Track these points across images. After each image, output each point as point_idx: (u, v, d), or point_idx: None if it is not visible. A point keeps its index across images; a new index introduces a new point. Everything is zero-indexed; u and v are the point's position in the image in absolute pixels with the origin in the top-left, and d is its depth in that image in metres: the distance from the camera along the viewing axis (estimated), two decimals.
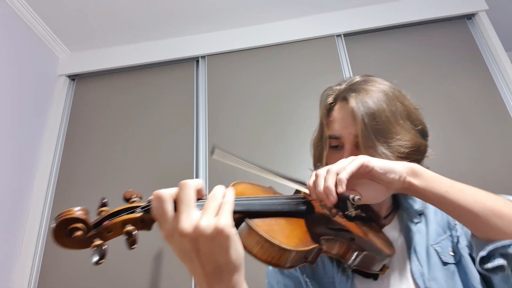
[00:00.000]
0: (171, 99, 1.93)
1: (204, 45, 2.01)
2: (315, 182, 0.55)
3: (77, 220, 0.40)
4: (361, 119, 0.63)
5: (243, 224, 0.49)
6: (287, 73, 1.88)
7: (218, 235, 0.41)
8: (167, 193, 0.45)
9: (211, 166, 1.71)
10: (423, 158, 0.69)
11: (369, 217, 0.67)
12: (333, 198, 0.52)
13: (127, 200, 0.47)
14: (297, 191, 0.64)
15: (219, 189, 0.48)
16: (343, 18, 1.96)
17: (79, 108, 1.99)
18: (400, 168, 0.54)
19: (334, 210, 0.63)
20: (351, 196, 0.52)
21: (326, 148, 0.71)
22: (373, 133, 0.62)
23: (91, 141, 1.88)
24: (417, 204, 0.71)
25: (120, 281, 1.51)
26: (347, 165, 0.54)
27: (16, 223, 1.64)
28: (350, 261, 0.57)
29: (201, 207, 0.45)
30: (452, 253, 0.63)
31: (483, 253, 0.52)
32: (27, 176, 1.74)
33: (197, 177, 1.71)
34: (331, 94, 0.74)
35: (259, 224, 0.48)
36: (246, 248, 0.48)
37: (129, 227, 0.42)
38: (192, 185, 0.46)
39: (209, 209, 0.44)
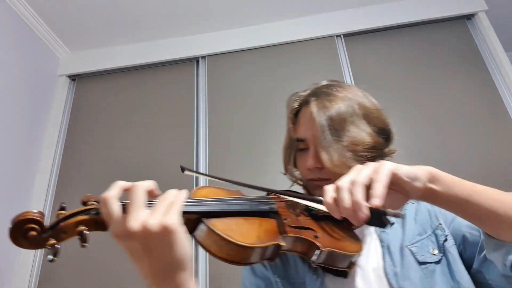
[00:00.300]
0: (171, 99, 1.93)
1: (204, 45, 2.01)
2: (337, 198, 0.47)
3: (32, 221, 0.43)
4: (318, 121, 0.66)
5: (201, 225, 0.52)
6: (287, 73, 1.88)
7: (165, 233, 0.44)
8: (112, 195, 0.48)
9: (211, 166, 1.71)
10: (382, 156, 0.71)
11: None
12: (365, 214, 0.44)
13: (84, 203, 0.50)
14: (268, 193, 0.64)
15: (171, 191, 0.51)
16: (343, 18, 1.96)
17: (79, 108, 1.99)
18: (422, 174, 0.49)
19: (298, 210, 0.64)
20: (389, 211, 0.45)
21: (294, 151, 0.74)
22: (329, 134, 0.65)
23: (91, 141, 1.88)
24: None
25: (120, 281, 1.51)
26: (378, 176, 0.47)
27: None
28: (313, 258, 0.59)
29: (153, 207, 0.47)
30: (433, 253, 0.63)
31: None
32: (27, 176, 1.74)
33: (197, 178, 1.71)
34: (297, 100, 0.76)
35: (216, 224, 0.51)
36: (205, 247, 0.51)
37: (81, 228, 0.45)
38: (142, 186, 0.50)
39: (158, 209, 0.47)
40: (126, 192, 0.51)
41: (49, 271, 1.59)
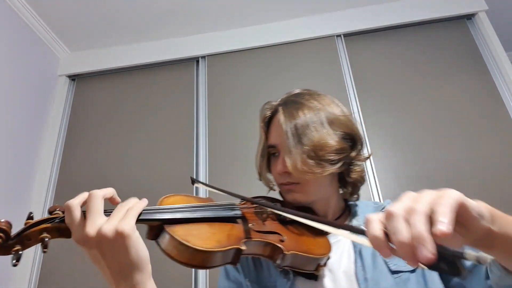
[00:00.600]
0: (171, 99, 1.93)
1: (204, 45, 2.01)
2: (388, 228, 0.36)
3: None
4: (284, 128, 0.69)
5: (163, 231, 0.54)
6: (287, 73, 1.88)
7: (118, 237, 0.47)
8: (75, 203, 0.50)
9: (211, 165, 1.71)
10: (350, 161, 0.72)
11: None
12: (430, 253, 0.32)
13: (50, 213, 0.53)
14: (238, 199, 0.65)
15: (132, 199, 0.54)
16: (343, 18, 1.96)
17: (79, 108, 1.99)
18: (485, 212, 0.39)
19: (265, 215, 0.66)
20: (470, 254, 0.32)
21: (266, 156, 0.78)
22: (293, 140, 0.67)
23: (91, 141, 1.88)
24: (369, 211, 0.76)
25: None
26: (442, 201, 0.35)
27: (17, 223, 1.63)
28: (278, 261, 0.61)
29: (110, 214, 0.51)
30: None
31: None
32: (27, 176, 1.74)
33: (197, 177, 1.71)
34: (268, 109, 0.78)
35: (177, 230, 0.53)
36: (166, 253, 0.53)
37: (44, 235, 0.49)
38: (99, 194, 0.52)
39: (114, 215, 0.50)
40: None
41: (49, 271, 1.59)
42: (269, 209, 0.66)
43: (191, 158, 1.75)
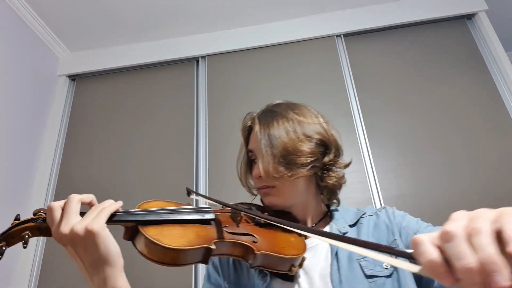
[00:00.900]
0: (171, 99, 1.93)
1: (204, 45, 2.01)
2: (448, 252, 0.30)
3: None
4: (258, 136, 0.74)
5: (137, 232, 0.58)
6: (287, 73, 1.88)
7: (88, 235, 0.53)
8: (57, 205, 0.57)
9: (211, 165, 1.71)
10: (322, 166, 0.75)
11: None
12: (508, 279, 0.26)
13: (34, 214, 0.59)
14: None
15: (107, 201, 0.60)
16: (343, 18, 1.96)
17: (79, 108, 1.99)
18: None
19: (240, 218, 0.69)
20: None
21: (247, 163, 0.82)
22: (265, 145, 0.72)
23: (91, 141, 1.88)
24: (350, 216, 0.77)
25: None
26: (509, 219, 0.29)
27: None
28: (250, 261, 0.64)
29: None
30: (385, 267, 0.65)
31: None
32: (27, 176, 1.74)
33: (197, 176, 1.71)
34: (249, 119, 0.84)
35: (149, 230, 0.57)
36: (140, 251, 0.58)
37: (26, 233, 0.55)
38: (75, 197, 0.58)
39: (87, 215, 0.56)
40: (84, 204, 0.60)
41: (49, 271, 1.59)
42: (243, 213, 0.70)
43: (191, 158, 1.75)
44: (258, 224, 0.71)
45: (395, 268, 0.65)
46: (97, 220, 0.55)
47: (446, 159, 1.58)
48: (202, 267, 1.51)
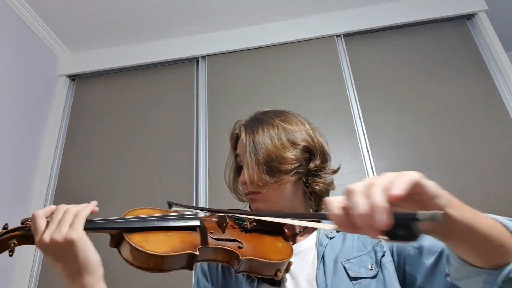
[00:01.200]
0: (171, 99, 1.93)
1: (204, 45, 2.01)
2: (348, 205, 0.38)
3: None
4: (244, 143, 0.76)
5: (122, 239, 0.59)
6: (287, 73, 1.88)
7: (68, 244, 0.54)
8: (40, 214, 0.58)
9: (211, 165, 1.71)
10: (307, 172, 0.76)
11: (270, 231, 0.74)
12: (385, 218, 0.34)
13: (22, 223, 0.61)
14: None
15: (80, 205, 0.60)
16: (343, 18, 1.96)
17: (79, 108, 1.99)
18: (443, 194, 0.41)
19: (226, 224, 0.70)
20: (422, 214, 0.33)
21: (236, 169, 0.84)
22: (249, 151, 0.74)
23: (91, 141, 1.88)
24: None
25: (121, 281, 1.51)
26: (395, 179, 0.38)
27: (17, 222, 1.64)
28: (235, 266, 0.65)
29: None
30: (370, 268, 0.66)
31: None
32: (27, 176, 1.74)
33: (197, 176, 1.70)
34: (238, 126, 0.85)
35: (133, 237, 0.58)
36: (124, 258, 0.59)
37: (12, 241, 0.57)
38: (63, 208, 0.59)
39: (62, 222, 0.56)
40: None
41: (49, 271, 1.59)
42: (228, 216, 0.72)
43: (191, 158, 1.75)
44: (245, 229, 0.72)
45: (380, 269, 0.66)
46: (75, 228, 0.56)
47: (446, 159, 1.57)
48: None
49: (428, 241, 0.62)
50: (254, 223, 0.73)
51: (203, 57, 2.01)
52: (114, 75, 2.06)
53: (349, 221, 0.38)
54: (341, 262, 0.68)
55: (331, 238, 0.73)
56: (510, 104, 1.65)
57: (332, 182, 0.80)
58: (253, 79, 1.89)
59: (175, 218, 0.66)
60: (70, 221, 0.57)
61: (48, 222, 0.58)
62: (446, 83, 1.74)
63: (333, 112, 1.73)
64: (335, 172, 0.81)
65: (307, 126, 0.80)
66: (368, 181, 0.40)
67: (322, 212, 0.41)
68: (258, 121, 0.79)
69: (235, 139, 0.84)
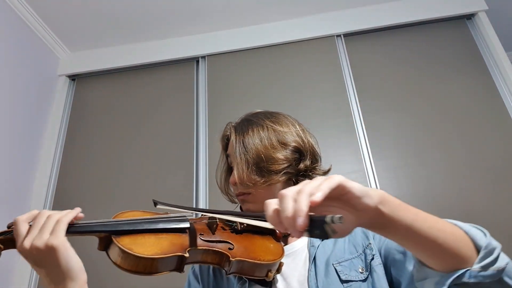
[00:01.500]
0: (171, 99, 1.93)
1: (204, 45, 2.01)
2: (279, 208, 0.44)
3: None
4: (233, 144, 0.77)
5: (111, 242, 0.59)
6: (287, 73, 1.88)
7: (49, 251, 0.53)
8: (22, 219, 0.57)
9: (211, 166, 1.71)
10: (298, 172, 0.76)
11: (261, 231, 0.74)
12: (302, 222, 0.40)
13: (9, 227, 0.59)
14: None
15: (62, 212, 0.59)
16: (343, 18, 1.96)
17: (79, 108, 1.99)
18: (373, 194, 0.47)
19: (216, 226, 0.70)
20: (328, 217, 0.40)
21: (227, 168, 0.85)
22: (239, 152, 0.75)
23: (91, 141, 1.88)
24: None
25: (121, 281, 1.51)
26: (320, 185, 0.45)
27: None
28: (226, 268, 0.65)
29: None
30: (361, 271, 0.67)
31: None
32: (27, 176, 1.74)
33: (197, 177, 1.70)
34: (228, 128, 0.85)
35: (122, 240, 0.58)
36: (113, 261, 0.58)
37: None
38: (45, 214, 0.58)
39: (43, 228, 0.56)
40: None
41: None
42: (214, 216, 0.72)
43: (190, 158, 1.75)
44: (235, 231, 0.72)
45: (370, 273, 0.67)
46: (56, 235, 0.55)
47: (445, 159, 1.58)
48: None
49: None
50: (245, 225, 0.73)
51: (203, 57, 2.01)
52: (114, 75, 2.06)
53: (280, 221, 0.44)
54: (332, 264, 0.68)
55: (323, 240, 0.73)
56: (510, 104, 1.65)
57: None
58: (253, 79, 1.89)
59: (165, 220, 0.65)
60: (51, 227, 0.56)
61: (30, 227, 0.57)
62: (446, 83, 1.74)
63: (333, 112, 1.73)
64: (325, 173, 0.81)
65: (297, 127, 0.81)
66: (299, 187, 0.45)
67: (263, 213, 0.47)
68: (248, 122, 0.80)
69: (226, 141, 0.85)
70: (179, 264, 0.61)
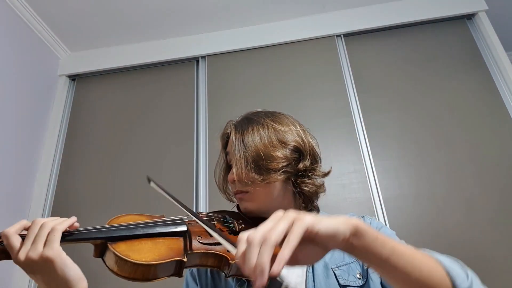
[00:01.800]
0: (171, 99, 1.93)
1: (204, 45, 2.01)
2: (245, 253, 0.44)
3: None
4: (233, 141, 0.77)
5: (106, 248, 0.58)
6: (287, 73, 1.88)
7: (44, 262, 0.53)
8: (11, 231, 0.55)
9: (211, 166, 1.71)
10: (297, 172, 0.76)
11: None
12: (263, 281, 0.40)
13: (1, 237, 0.58)
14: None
15: (54, 220, 0.58)
16: (343, 18, 1.96)
17: (79, 108, 1.99)
18: (344, 228, 0.46)
19: (215, 227, 0.68)
20: (284, 286, 0.43)
21: (225, 166, 0.85)
22: (240, 151, 0.74)
23: (91, 141, 1.88)
24: None
25: (120, 281, 1.51)
26: (290, 234, 0.43)
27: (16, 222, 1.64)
28: (226, 271, 0.64)
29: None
30: (359, 277, 0.67)
31: None
32: (27, 176, 1.74)
33: (197, 177, 1.70)
34: (229, 126, 0.84)
35: (118, 246, 0.56)
36: (110, 268, 0.57)
37: None
38: (39, 223, 0.57)
39: (37, 239, 0.54)
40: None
41: None
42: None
43: (190, 158, 1.75)
44: (233, 232, 0.71)
45: (367, 279, 0.66)
46: (51, 246, 0.54)
47: (446, 159, 1.57)
48: None
49: None
50: (243, 225, 0.72)
51: (203, 57, 2.01)
52: (114, 75, 2.06)
53: (244, 268, 0.43)
54: (331, 268, 0.68)
55: None
56: (510, 104, 1.65)
57: (322, 184, 0.79)
58: (253, 79, 1.89)
59: (161, 224, 0.64)
60: (45, 238, 0.54)
61: (23, 238, 0.56)
62: (446, 83, 1.74)
63: (333, 112, 1.73)
64: (326, 174, 0.80)
65: (298, 127, 0.80)
66: (266, 230, 0.44)
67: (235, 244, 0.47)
68: (248, 121, 0.80)
69: (226, 139, 0.84)
70: (177, 269, 0.59)
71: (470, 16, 1.89)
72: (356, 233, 0.46)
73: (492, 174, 1.52)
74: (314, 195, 0.78)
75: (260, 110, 0.86)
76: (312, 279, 0.67)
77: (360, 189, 1.55)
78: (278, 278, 0.43)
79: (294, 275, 0.69)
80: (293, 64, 1.90)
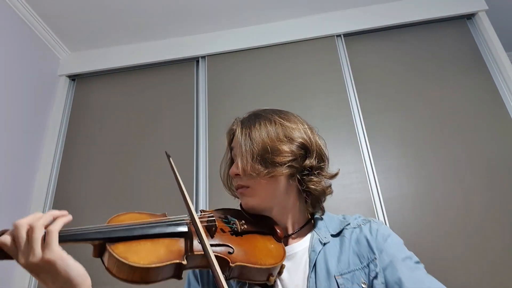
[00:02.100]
0: (171, 99, 1.93)
1: (204, 45, 2.01)
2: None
3: None
4: (238, 136, 0.76)
5: (105, 249, 0.57)
6: (287, 73, 1.88)
7: (45, 265, 0.52)
8: (7, 239, 0.54)
9: (211, 165, 1.71)
10: (303, 169, 0.75)
11: (261, 231, 0.72)
12: None
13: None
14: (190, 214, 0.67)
15: (50, 212, 0.57)
16: (343, 18, 1.96)
17: (79, 108, 1.99)
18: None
19: (214, 228, 0.67)
20: None
21: (230, 162, 0.84)
22: (246, 145, 0.73)
23: (91, 141, 1.88)
24: (333, 225, 0.77)
25: (118, 283, 1.51)
26: None
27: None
28: (226, 273, 0.62)
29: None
30: (364, 285, 0.65)
31: None
32: (27, 176, 1.74)
33: (197, 177, 1.70)
34: (235, 122, 0.84)
35: (117, 247, 0.55)
36: (108, 270, 0.56)
37: None
38: (38, 225, 0.55)
39: (33, 241, 0.53)
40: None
41: None
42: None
43: (191, 158, 1.75)
44: (235, 233, 0.69)
45: (372, 287, 0.65)
46: (50, 248, 0.53)
47: (446, 159, 1.57)
48: None
49: (409, 284, 0.61)
50: (245, 226, 0.70)
51: (203, 57, 2.01)
52: (114, 75, 2.06)
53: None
54: (334, 276, 0.66)
55: (324, 244, 0.71)
56: (510, 104, 1.65)
57: (329, 186, 0.78)
58: (253, 79, 1.89)
59: (161, 225, 0.63)
60: (40, 240, 0.53)
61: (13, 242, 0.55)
62: (446, 83, 1.74)
63: (333, 112, 1.73)
64: (333, 176, 0.78)
65: (306, 126, 0.79)
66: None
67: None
68: (256, 116, 0.79)
69: (231, 135, 0.83)
70: (177, 271, 0.58)
71: (470, 16, 1.90)
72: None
73: (492, 174, 1.52)
74: (322, 195, 0.77)
75: (267, 108, 0.85)
76: (314, 284, 0.66)
77: (360, 189, 1.55)
78: None
79: (296, 279, 0.68)
80: (293, 64, 1.90)
